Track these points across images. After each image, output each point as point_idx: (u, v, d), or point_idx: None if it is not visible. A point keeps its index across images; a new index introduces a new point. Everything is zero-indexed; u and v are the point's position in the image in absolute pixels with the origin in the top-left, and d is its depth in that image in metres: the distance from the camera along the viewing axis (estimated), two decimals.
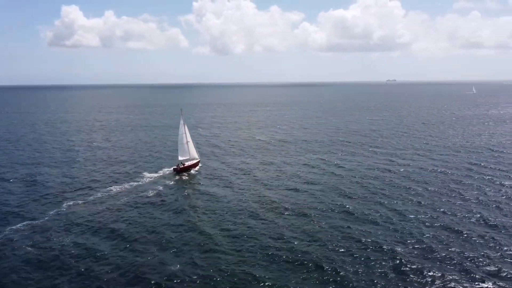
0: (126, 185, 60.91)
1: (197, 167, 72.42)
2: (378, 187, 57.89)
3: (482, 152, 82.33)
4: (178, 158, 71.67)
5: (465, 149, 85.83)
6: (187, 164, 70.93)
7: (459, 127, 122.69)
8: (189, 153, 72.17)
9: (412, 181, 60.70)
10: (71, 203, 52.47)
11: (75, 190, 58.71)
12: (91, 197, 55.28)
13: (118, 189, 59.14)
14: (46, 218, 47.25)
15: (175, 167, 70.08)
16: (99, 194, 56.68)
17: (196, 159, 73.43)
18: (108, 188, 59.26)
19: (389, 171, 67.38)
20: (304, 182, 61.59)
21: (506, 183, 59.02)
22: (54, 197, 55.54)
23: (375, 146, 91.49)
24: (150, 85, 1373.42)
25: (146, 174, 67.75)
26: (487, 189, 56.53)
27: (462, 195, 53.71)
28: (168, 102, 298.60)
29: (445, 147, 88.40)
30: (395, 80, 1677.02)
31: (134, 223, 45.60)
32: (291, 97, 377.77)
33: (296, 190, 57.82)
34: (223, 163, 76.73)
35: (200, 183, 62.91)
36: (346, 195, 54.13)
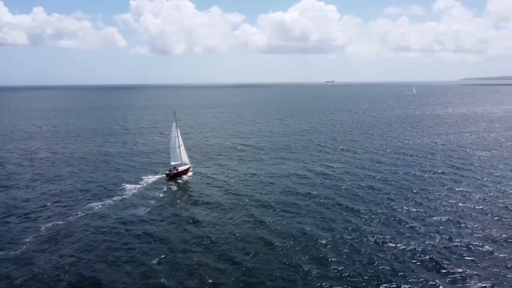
0: (113, 198, 53.67)
1: (190, 173, 67.07)
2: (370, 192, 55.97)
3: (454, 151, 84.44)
4: (170, 163, 66.61)
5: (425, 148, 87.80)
6: (180, 169, 65.81)
7: (417, 126, 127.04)
8: (181, 158, 65.86)
9: (390, 185, 60.06)
10: (49, 224, 44.47)
11: (48, 208, 50.23)
12: (79, 212, 47.48)
13: (105, 201, 52.07)
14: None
15: (168, 172, 64.96)
16: (79, 212, 48.64)
17: (187, 164, 67.57)
18: (89, 205, 51.34)
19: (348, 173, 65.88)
20: (299, 184, 58.28)
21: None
22: (28, 216, 47.10)
23: (353, 146, 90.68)
24: (86, 86, 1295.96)
25: (136, 183, 60.97)
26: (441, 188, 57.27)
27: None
28: (108, 104, 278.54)
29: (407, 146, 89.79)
30: (333, 81, 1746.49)
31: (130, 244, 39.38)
32: (239, 98, 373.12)
33: (291, 193, 55.18)
34: (209, 167, 71.46)
35: (196, 191, 57.96)
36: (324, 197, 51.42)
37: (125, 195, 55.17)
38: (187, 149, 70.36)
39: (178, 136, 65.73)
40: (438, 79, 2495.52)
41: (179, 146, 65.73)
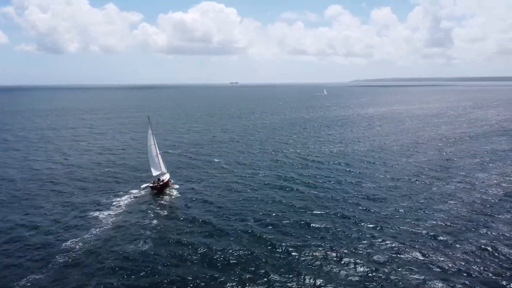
0: (98, 228, 42.33)
1: (171, 182, 59.63)
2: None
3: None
4: (152, 173, 58.06)
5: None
6: (165, 179, 57.94)
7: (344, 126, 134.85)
8: (160, 167, 59.28)
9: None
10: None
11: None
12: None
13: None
14: None
15: (152, 184, 56.10)
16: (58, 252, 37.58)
17: (166, 173, 60.40)
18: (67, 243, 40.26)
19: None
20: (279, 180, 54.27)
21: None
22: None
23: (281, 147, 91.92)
24: None
25: (115, 202, 50.70)
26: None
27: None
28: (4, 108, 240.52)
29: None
30: (237, 83, 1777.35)
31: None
32: (137, 100, 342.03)
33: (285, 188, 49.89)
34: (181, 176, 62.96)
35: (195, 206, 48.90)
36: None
37: (110, 221, 44.22)
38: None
39: (155, 144, 59.07)
40: (332, 80, 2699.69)
41: (157, 155, 59.13)
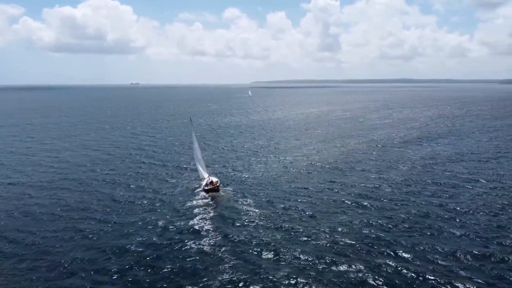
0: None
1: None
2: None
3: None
4: (203, 175, 59.67)
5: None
6: (217, 180, 57.48)
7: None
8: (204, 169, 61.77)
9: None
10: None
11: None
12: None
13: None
14: None
15: (208, 187, 55.75)
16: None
17: (208, 174, 60.41)
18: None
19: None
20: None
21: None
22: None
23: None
24: None
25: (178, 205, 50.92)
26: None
27: None
28: None
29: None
30: (138, 84, 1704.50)
31: None
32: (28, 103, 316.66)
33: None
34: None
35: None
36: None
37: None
38: None
39: (198, 147, 61.63)
40: (233, 82, 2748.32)
41: (202, 157, 61.89)
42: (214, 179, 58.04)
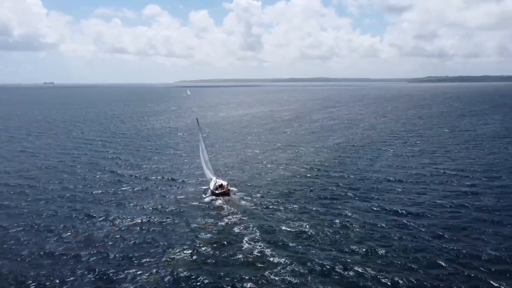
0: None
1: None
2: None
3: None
4: (211, 178, 60.37)
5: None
6: (226, 183, 58.49)
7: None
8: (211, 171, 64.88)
9: None
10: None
11: None
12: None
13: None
14: None
15: (218, 190, 56.36)
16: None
17: (215, 177, 61.29)
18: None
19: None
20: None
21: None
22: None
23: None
24: None
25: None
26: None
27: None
28: None
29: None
30: (53, 83, 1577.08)
31: None
32: None
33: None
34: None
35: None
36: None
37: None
38: None
39: (205, 148, 64.63)
40: (156, 81, 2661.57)
41: (209, 159, 65.10)
42: (224, 182, 58.49)
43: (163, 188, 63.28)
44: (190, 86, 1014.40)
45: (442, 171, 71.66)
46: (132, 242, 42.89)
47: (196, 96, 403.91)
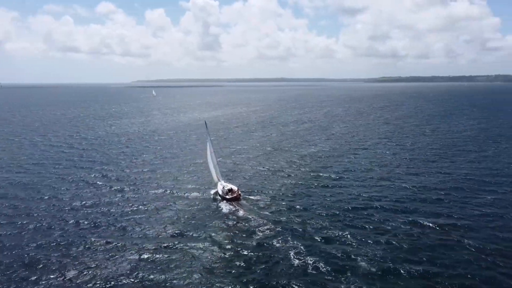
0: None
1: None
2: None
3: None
4: (216, 180, 58.69)
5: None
6: (236, 188, 55.75)
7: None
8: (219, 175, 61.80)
9: None
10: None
11: None
12: None
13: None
14: None
15: (228, 196, 53.35)
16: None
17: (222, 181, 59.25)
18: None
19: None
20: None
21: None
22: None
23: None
24: None
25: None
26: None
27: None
28: None
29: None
30: (0, 83, 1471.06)
31: None
32: None
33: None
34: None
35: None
36: None
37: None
38: None
39: (213, 151, 61.53)
40: (111, 81, 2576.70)
41: (218, 163, 61.88)
42: (234, 187, 56.07)
43: (173, 195, 59.32)
44: (148, 86, 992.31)
45: (442, 171, 72.84)
46: (160, 258, 39.22)
47: (161, 96, 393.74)
